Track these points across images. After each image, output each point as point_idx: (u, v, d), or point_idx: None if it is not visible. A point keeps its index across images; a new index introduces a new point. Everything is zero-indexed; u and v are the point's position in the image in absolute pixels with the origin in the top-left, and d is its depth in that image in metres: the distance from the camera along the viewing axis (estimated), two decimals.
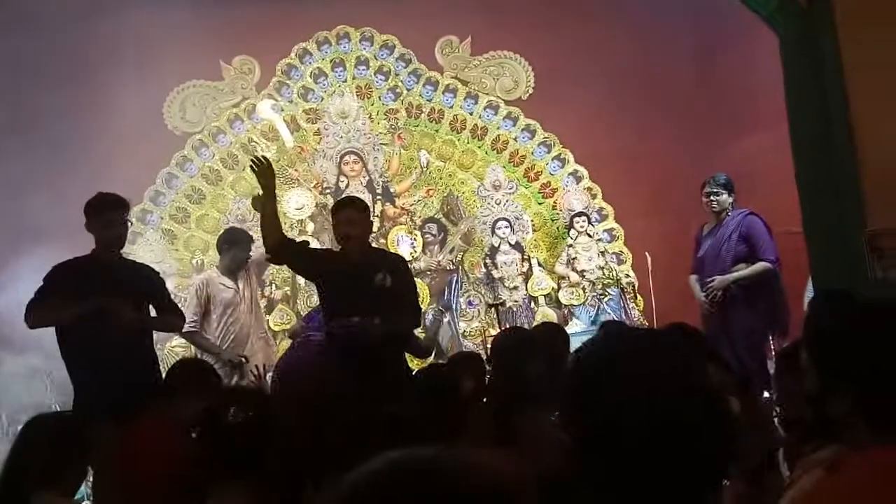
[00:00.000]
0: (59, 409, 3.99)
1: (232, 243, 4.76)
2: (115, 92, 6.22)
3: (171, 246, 6.64)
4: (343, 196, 5.08)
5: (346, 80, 7.11)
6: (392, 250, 6.39)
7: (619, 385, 1.05)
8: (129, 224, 3.70)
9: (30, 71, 6.19)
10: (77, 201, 5.24)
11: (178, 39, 6.26)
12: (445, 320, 6.29)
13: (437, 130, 7.14)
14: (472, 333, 6.60)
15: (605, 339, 1.19)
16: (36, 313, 3.39)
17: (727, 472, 1.08)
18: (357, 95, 6.96)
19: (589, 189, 7.07)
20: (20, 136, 6.02)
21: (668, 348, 1.12)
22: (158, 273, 4.01)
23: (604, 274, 6.71)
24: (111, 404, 3.10)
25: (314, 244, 6.34)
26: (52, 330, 3.47)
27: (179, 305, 4.18)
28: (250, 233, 4.91)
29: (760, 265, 4.64)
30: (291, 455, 1.89)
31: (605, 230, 7.00)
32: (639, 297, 6.79)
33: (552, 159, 7.17)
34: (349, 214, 3.61)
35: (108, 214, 3.50)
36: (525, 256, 6.74)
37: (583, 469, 1.07)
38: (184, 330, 4.48)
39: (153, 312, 3.74)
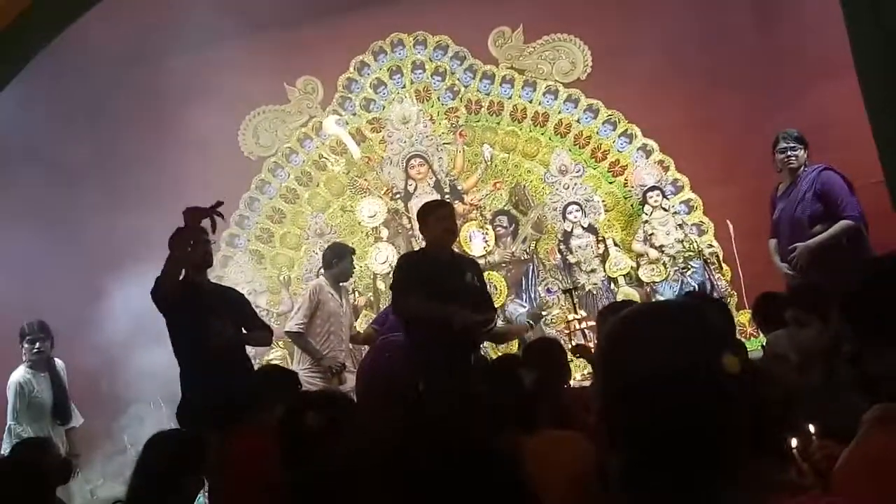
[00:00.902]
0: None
1: (340, 256, 5.04)
2: (190, 126, 6.62)
3: (258, 265, 7.03)
4: (430, 200, 5.22)
5: (404, 86, 7.27)
6: (465, 246, 6.53)
7: (626, 361, 1.09)
8: (212, 243, 3.91)
9: (107, 112, 6.70)
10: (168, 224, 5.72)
11: (242, 69, 6.62)
12: (524, 310, 6.33)
13: (498, 123, 7.18)
14: (554, 321, 6.60)
15: (623, 317, 1.19)
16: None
17: (735, 456, 1.08)
18: (416, 99, 7.11)
19: (660, 162, 6.90)
20: (103, 177, 6.55)
21: (672, 323, 1.12)
22: (242, 294, 4.30)
23: (684, 247, 6.54)
24: (216, 415, 3.33)
25: (389, 249, 6.56)
26: None
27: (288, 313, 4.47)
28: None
29: (842, 223, 4.41)
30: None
31: (681, 202, 6.82)
32: (724, 266, 6.58)
33: (618, 136, 7.05)
34: (449, 211, 4.01)
35: (197, 236, 3.77)
36: (600, 238, 6.67)
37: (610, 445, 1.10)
38: (293, 330, 4.79)
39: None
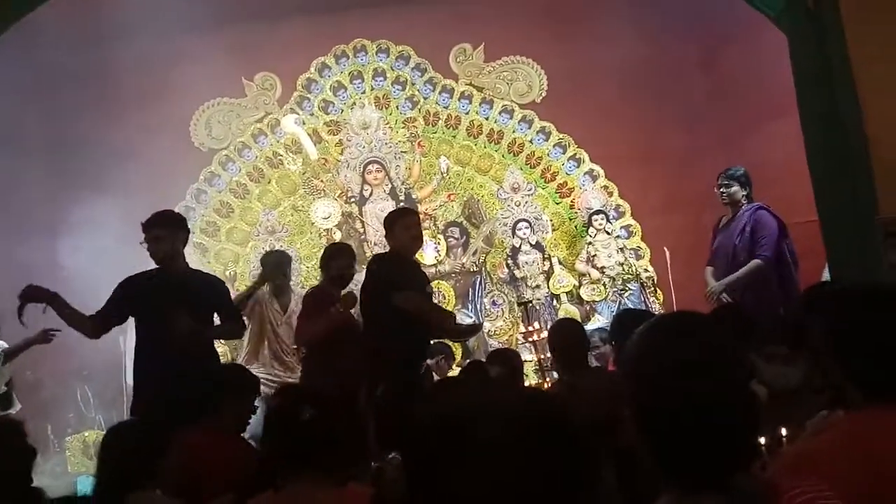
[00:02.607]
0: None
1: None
2: (144, 113, 6.47)
3: (203, 258, 6.86)
4: (398, 207, 5.28)
5: (364, 92, 7.33)
6: (419, 256, 6.63)
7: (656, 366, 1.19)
8: (162, 237, 3.79)
9: (60, 96, 6.43)
10: (115, 219, 5.56)
11: (200, 60, 6.50)
12: (471, 320, 6.48)
13: (454, 136, 7.34)
14: (498, 332, 6.80)
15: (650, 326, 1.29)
16: (91, 323, 3.64)
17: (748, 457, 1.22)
18: (376, 106, 7.18)
19: (605, 187, 7.24)
20: (51, 159, 6.29)
21: (705, 332, 1.25)
22: (223, 283, 4.20)
23: (623, 270, 6.88)
24: (169, 410, 3.27)
25: None
26: None
27: None
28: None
29: (753, 263, 4.83)
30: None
31: (622, 227, 7.17)
32: (658, 291, 6.96)
33: (568, 160, 7.35)
34: (417, 219, 4.17)
35: (146, 232, 3.74)
36: (546, 255, 6.93)
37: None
38: None
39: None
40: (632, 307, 6.59)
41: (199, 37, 6.53)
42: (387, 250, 4.38)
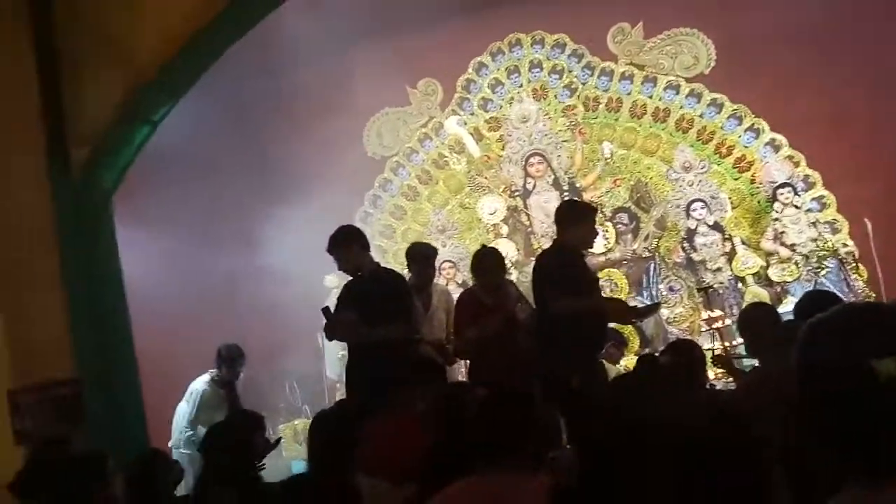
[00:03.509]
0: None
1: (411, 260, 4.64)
2: (323, 128, 7.00)
3: (382, 259, 7.26)
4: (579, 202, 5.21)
5: (521, 85, 7.35)
6: None
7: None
8: (340, 257, 3.99)
9: (250, 117, 7.14)
10: (303, 225, 6.09)
11: (367, 73, 6.91)
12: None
13: (616, 119, 7.13)
14: (677, 319, 6.51)
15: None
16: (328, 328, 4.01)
17: None
18: (534, 98, 7.18)
19: (790, 157, 6.65)
20: (247, 176, 7.01)
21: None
22: (386, 286, 4.19)
23: (817, 246, 6.29)
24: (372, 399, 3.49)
25: (509, 246, 6.66)
26: None
27: None
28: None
29: None
30: None
31: (813, 199, 6.54)
32: (861, 267, 6.26)
33: (744, 131, 6.84)
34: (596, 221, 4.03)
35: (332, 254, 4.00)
36: (726, 236, 6.51)
37: None
38: None
39: None
40: (829, 288, 6.00)
41: (364, 51, 6.94)
42: (555, 243, 4.25)
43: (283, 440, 4.99)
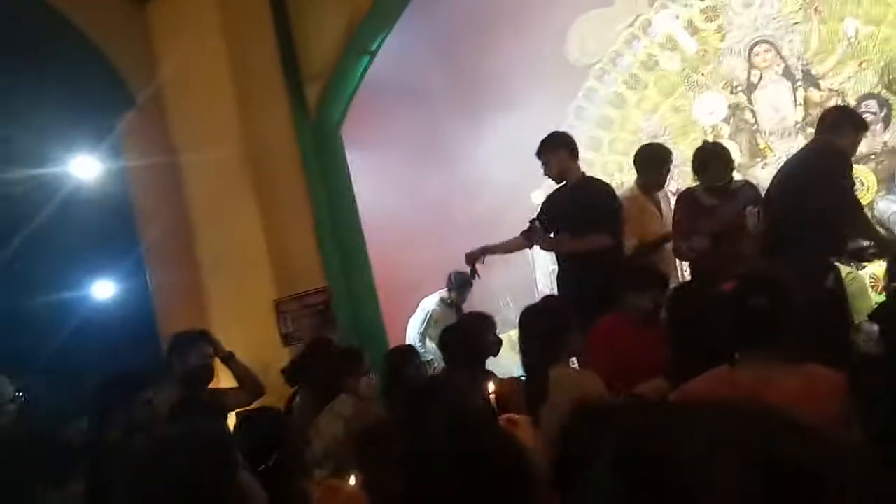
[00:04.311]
0: None
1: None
2: (519, 41, 6.84)
3: (590, 172, 7.09)
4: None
5: None
6: None
7: None
8: (546, 161, 4.06)
9: (451, 36, 7.17)
10: (510, 140, 6.11)
11: None
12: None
13: None
14: None
15: None
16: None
17: None
18: None
19: None
20: (458, 99, 7.12)
21: None
22: (606, 193, 4.13)
23: None
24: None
25: (732, 147, 6.14)
26: None
27: None
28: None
29: None
30: None
31: None
32: None
33: None
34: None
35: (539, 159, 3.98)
36: None
37: None
38: None
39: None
40: None
41: None
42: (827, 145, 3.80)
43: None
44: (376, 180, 6.16)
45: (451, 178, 6.79)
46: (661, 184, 4.12)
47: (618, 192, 4.36)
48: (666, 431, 0.55)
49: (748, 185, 4.02)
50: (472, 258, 4.18)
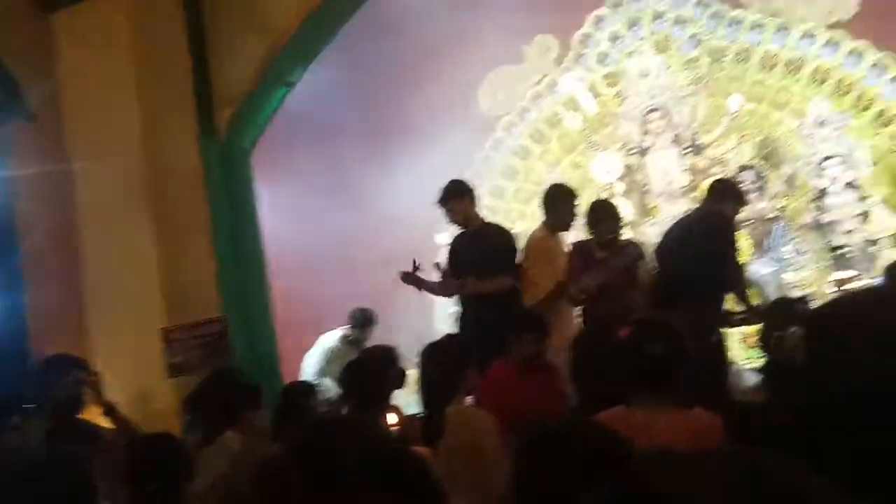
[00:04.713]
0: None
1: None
2: (434, 88, 7.06)
3: (493, 219, 7.32)
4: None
5: (643, 38, 7.07)
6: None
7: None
8: (451, 209, 4.15)
9: (366, 76, 7.31)
10: (411, 182, 6.23)
11: (480, 33, 6.87)
12: (769, 270, 6.01)
13: (745, 72, 6.75)
14: (802, 283, 6.18)
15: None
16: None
17: None
18: (656, 51, 6.90)
19: None
20: (364, 137, 7.22)
21: None
22: (494, 239, 4.25)
23: None
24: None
25: (624, 204, 6.54)
26: None
27: None
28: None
29: None
30: None
31: None
32: None
33: (888, 82, 6.31)
34: None
35: (442, 208, 4.14)
36: (861, 196, 6.08)
37: None
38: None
39: None
40: None
41: (479, 10, 6.89)
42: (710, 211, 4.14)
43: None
44: (283, 213, 6.09)
45: (358, 215, 6.82)
46: (567, 225, 4.15)
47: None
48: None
49: (633, 244, 4.27)
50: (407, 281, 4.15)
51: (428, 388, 2.67)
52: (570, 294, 4.01)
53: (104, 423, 3.39)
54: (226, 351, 3.99)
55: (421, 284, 4.14)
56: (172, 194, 4.29)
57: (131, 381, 3.67)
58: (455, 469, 2.33)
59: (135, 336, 4.15)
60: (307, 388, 3.49)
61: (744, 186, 6.31)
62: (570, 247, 4.25)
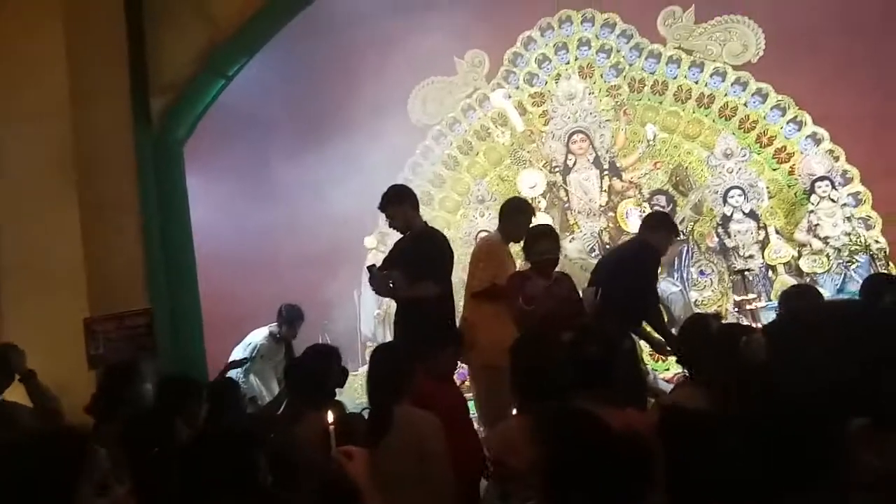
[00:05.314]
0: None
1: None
2: (371, 92, 7.14)
3: None
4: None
5: (568, 63, 7.42)
6: (622, 223, 6.71)
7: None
8: (391, 215, 4.07)
9: (300, 77, 7.29)
10: (341, 184, 6.27)
11: (416, 42, 7.01)
12: (677, 289, 6.43)
13: (660, 103, 7.21)
14: (705, 302, 6.65)
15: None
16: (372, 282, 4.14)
17: None
18: (580, 76, 7.26)
19: (830, 152, 6.73)
20: (294, 133, 7.19)
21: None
22: (416, 245, 4.14)
23: (850, 240, 6.39)
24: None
25: (546, 220, 6.81)
26: None
27: None
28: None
29: None
30: None
31: (849, 194, 6.63)
32: (892, 264, 6.37)
33: (787, 122, 6.91)
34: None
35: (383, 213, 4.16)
36: (761, 224, 6.63)
37: None
38: None
39: None
40: (857, 282, 6.12)
41: (417, 19, 7.03)
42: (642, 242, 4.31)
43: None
44: (212, 208, 5.98)
45: (287, 214, 6.79)
46: (519, 236, 4.18)
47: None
48: None
49: (566, 276, 4.36)
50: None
51: (377, 388, 2.73)
52: (518, 306, 4.07)
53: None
54: (152, 344, 3.87)
55: (373, 281, 4.13)
56: (100, 177, 4.09)
57: (50, 371, 3.51)
58: (398, 468, 2.39)
59: (56, 325, 3.97)
60: (229, 388, 3.43)
61: (655, 209, 6.77)
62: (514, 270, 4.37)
